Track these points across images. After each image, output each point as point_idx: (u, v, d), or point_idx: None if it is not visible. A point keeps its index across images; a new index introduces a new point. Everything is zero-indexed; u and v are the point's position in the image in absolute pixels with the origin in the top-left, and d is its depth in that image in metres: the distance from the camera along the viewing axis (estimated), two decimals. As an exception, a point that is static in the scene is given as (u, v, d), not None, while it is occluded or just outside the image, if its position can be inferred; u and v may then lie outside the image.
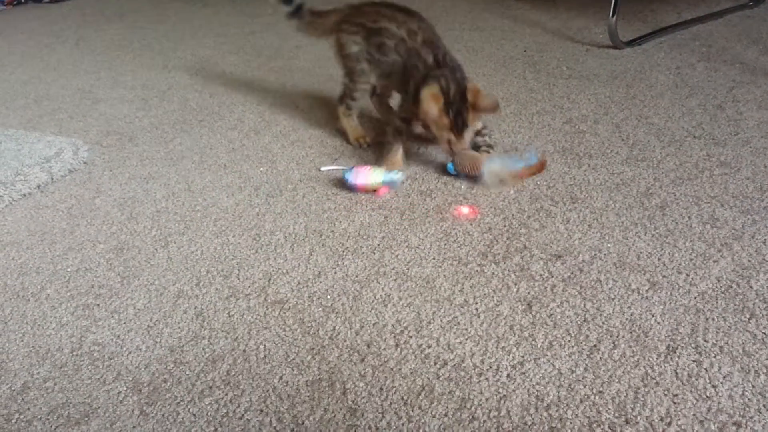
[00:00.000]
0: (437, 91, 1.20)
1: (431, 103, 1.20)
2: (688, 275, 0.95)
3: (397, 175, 1.22)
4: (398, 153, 1.31)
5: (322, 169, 1.32)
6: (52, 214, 1.22)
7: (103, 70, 1.95)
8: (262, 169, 1.34)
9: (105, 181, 1.33)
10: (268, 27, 2.28)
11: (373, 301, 0.95)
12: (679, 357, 0.81)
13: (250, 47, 2.09)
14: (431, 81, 1.23)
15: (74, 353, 0.89)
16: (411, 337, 0.87)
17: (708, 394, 0.75)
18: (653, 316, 0.88)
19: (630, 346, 0.83)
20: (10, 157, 1.33)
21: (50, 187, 1.32)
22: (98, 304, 0.98)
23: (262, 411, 0.78)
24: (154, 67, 1.95)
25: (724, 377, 0.77)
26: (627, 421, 0.73)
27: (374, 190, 1.22)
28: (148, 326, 0.93)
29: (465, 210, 1.05)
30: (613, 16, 1.82)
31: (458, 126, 1.22)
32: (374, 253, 1.05)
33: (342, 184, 1.25)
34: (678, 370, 0.79)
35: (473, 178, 1.23)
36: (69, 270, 1.06)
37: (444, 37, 2.07)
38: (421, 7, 2.42)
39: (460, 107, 1.21)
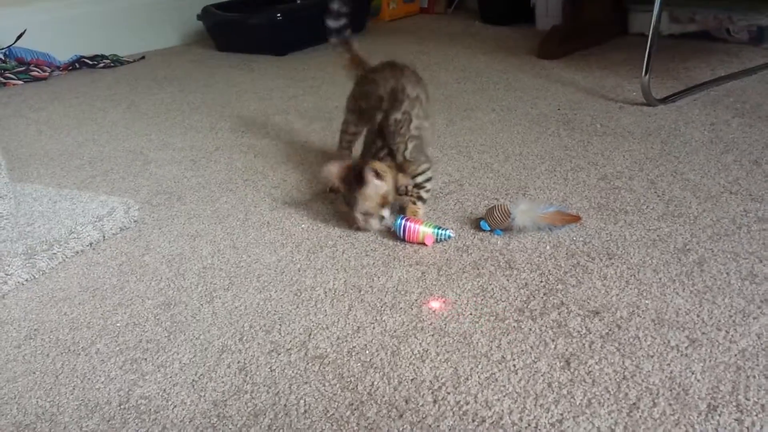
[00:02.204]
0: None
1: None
2: (727, 332, 0.94)
3: (446, 232, 1.27)
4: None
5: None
6: (103, 271, 1.28)
7: (153, 133, 2.04)
8: (303, 225, 1.38)
9: (154, 239, 1.38)
10: (310, 90, 2.37)
11: (411, 357, 0.96)
12: (720, 415, 0.80)
13: (293, 109, 2.17)
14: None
15: (122, 407, 0.92)
16: (449, 393, 0.88)
17: (752, 455, 0.74)
18: (693, 373, 0.87)
19: (670, 404, 0.82)
20: (64, 216, 1.40)
21: (102, 244, 1.38)
22: (146, 359, 1.02)
23: (302, 465, 0.80)
24: (202, 129, 2.04)
25: (768, 437, 0.76)
26: (668, 481, 0.72)
27: (422, 242, 1.26)
28: (193, 380, 0.96)
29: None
30: (646, 74, 1.85)
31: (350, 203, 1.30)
32: (412, 309, 1.07)
33: (379, 239, 1.28)
34: (719, 429, 0.78)
35: (507, 228, 1.26)
36: (118, 325, 1.11)
37: (479, 97, 2.13)
38: (456, 68, 2.50)
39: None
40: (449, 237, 1.26)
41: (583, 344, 0.95)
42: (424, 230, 1.26)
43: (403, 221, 1.27)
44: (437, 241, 1.26)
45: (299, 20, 2.96)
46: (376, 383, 0.92)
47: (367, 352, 0.98)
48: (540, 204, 1.30)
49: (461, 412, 0.85)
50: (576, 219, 1.27)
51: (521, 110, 1.97)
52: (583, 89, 2.10)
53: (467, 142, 1.75)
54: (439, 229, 1.26)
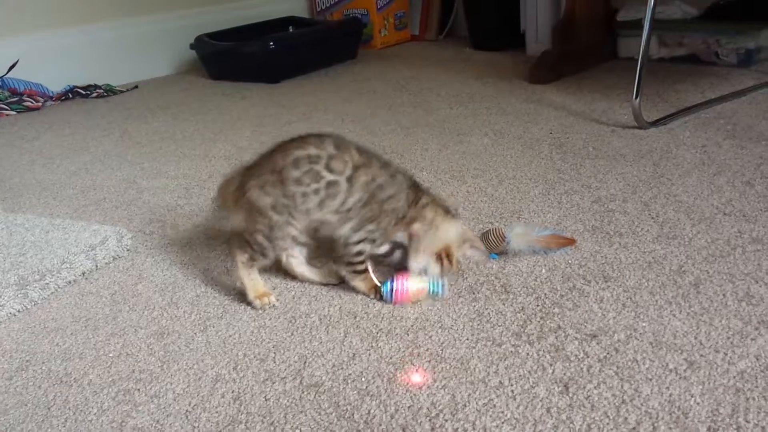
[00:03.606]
0: None
1: None
2: (726, 354, 0.94)
3: (440, 285, 1.15)
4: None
5: None
6: (95, 301, 1.26)
7: (146, 161, 2.04)
8: (297, 253, 1.38)
9: (147, 267, 1.37)
10: (303, 117, 2.38)
11: (407, 384, 0.95)
12: (721, 439, 0.79)
13: (285, 136, 2.17)
14: None
15: (115, 438, 0.91)
16: (446, 420, 0.87)
17: (754, 479, 0.73)
18: (692, 396, 0.86)
19: (670, 428, 0.82)
20: (57, 246, 1.39)
21: (95, 274, 1.37)
22: (138, 389, 1.00)
23: (298, 497, 0.78)
24: (195, 157, 2.04)
25: (770, 460, 0.75)
26: (671, 507, 0.71)
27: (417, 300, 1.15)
28: (186, 411, 0.94)
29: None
30: (636, 97, 1.86)
31: None
32: (408, 335, 1.06)
33: (373, 266, 1.27)
34: (721, 453, 0.77)
35: (502, 252, 1.25)
36: (111, 355, 1.09)
37: (472, 122, 2.14)
38: (449, 94, 2.51)
39: None
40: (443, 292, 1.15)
41: (581, 368, 0.94)
42: (417, 287, 1.14)
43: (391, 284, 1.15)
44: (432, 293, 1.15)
45: (292, 48, 2.98)
46: (372, 411, 0.90)
47: (363, 379, 0.97)
48: (535, 227, 1.30)
49: (459, 440, 0.84)
50: (571, 242, 1.27)
51: (514, 134, 1.98)
52: (575, 113, 2.12)
53: (461, 167, 1.76)
54: (432, 284, 1.14)
